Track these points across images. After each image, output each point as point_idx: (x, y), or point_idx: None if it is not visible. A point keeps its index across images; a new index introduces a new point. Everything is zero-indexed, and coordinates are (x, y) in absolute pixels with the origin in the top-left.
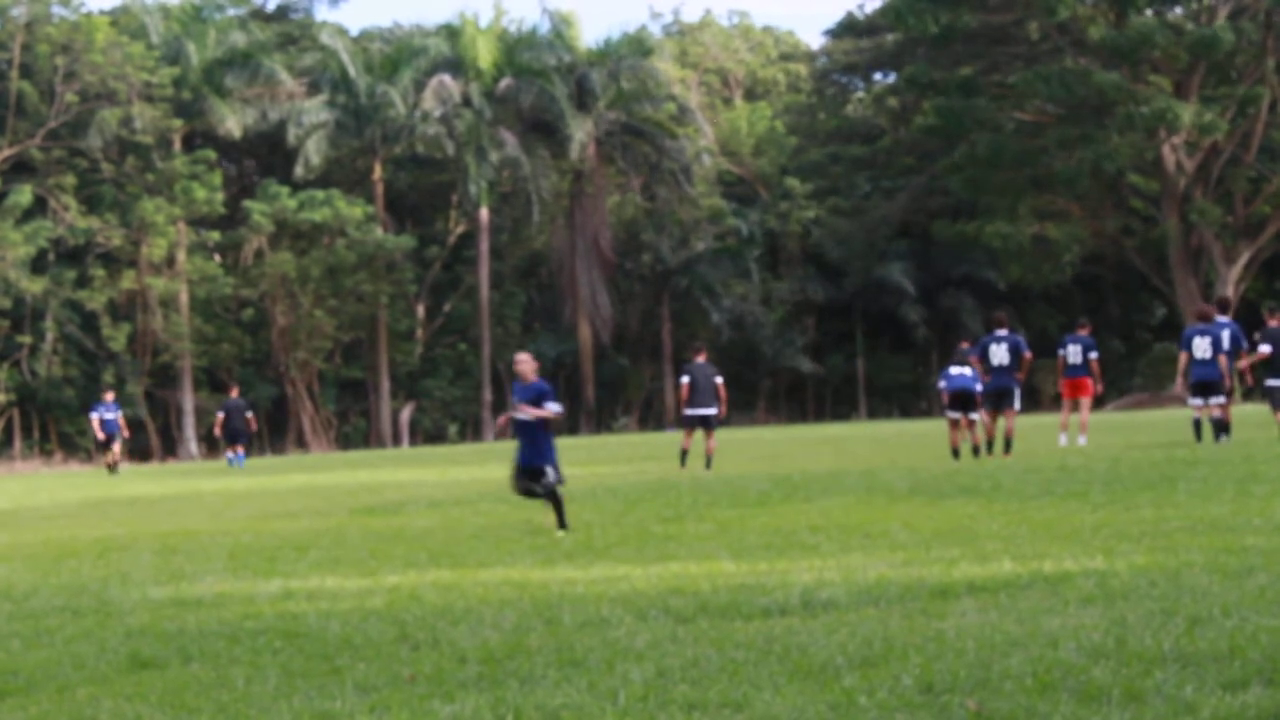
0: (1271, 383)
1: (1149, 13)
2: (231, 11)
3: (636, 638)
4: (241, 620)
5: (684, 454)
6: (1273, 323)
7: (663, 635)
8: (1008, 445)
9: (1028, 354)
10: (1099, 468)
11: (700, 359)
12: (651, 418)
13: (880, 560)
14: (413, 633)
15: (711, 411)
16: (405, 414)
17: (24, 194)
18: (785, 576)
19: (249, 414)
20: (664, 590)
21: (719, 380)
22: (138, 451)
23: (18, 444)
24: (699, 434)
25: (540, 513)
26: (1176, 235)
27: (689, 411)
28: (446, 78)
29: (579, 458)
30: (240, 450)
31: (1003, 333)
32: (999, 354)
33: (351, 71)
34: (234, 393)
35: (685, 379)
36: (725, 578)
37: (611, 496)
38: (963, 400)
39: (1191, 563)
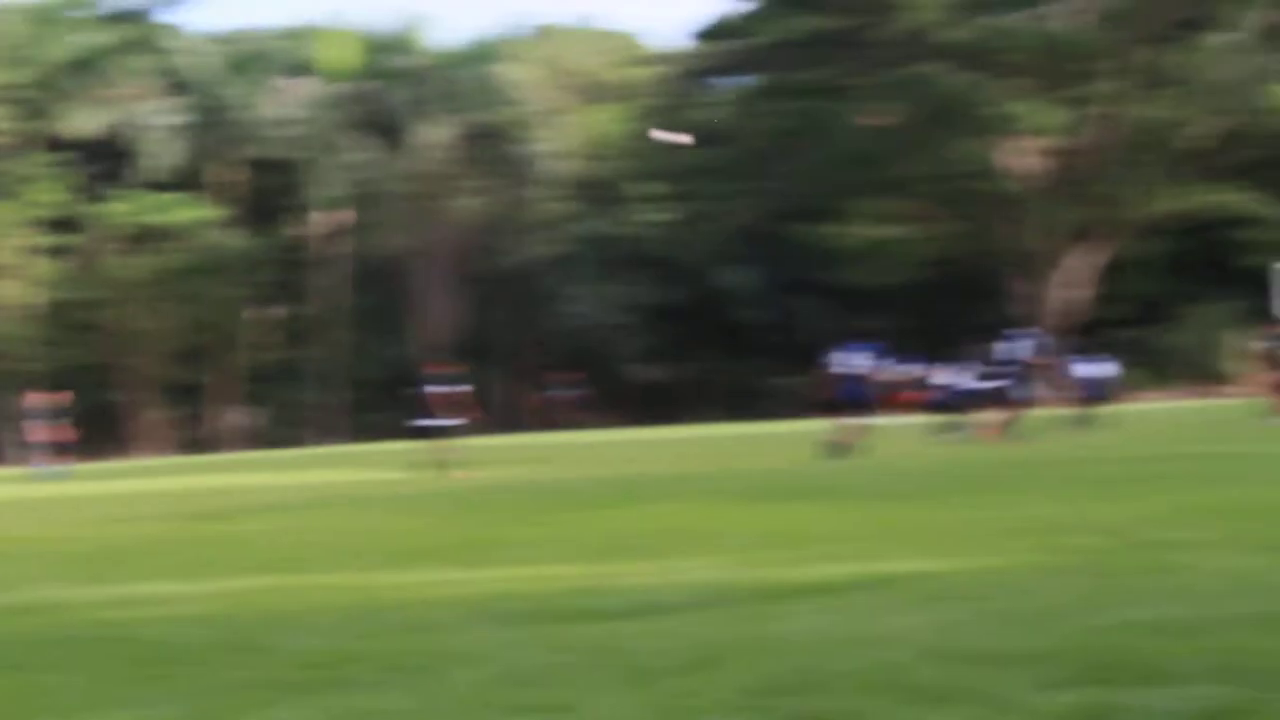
0: None
1: (999, 17)
2: (79, 14)
3: (467, 642)
4: (65, 627)
5: None
6: None
7: (492, 639)
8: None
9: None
10: (930, 469)
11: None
12: (494, 421)
13: (713, 563)
14: (240, 638)
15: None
16: (247, 418)
17: None
18: (617, 580)
19: (64, 420)
20: (494, 594)
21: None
22: None
23: None
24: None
25: (376, 517)
26: (1022, 240)
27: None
28: (295, 80)
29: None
30: (55, 458)
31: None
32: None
33: (199, 74)
34: (50, 397)
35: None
36: (557, 581)
37: (445, 500)
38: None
39: (1017, 563)
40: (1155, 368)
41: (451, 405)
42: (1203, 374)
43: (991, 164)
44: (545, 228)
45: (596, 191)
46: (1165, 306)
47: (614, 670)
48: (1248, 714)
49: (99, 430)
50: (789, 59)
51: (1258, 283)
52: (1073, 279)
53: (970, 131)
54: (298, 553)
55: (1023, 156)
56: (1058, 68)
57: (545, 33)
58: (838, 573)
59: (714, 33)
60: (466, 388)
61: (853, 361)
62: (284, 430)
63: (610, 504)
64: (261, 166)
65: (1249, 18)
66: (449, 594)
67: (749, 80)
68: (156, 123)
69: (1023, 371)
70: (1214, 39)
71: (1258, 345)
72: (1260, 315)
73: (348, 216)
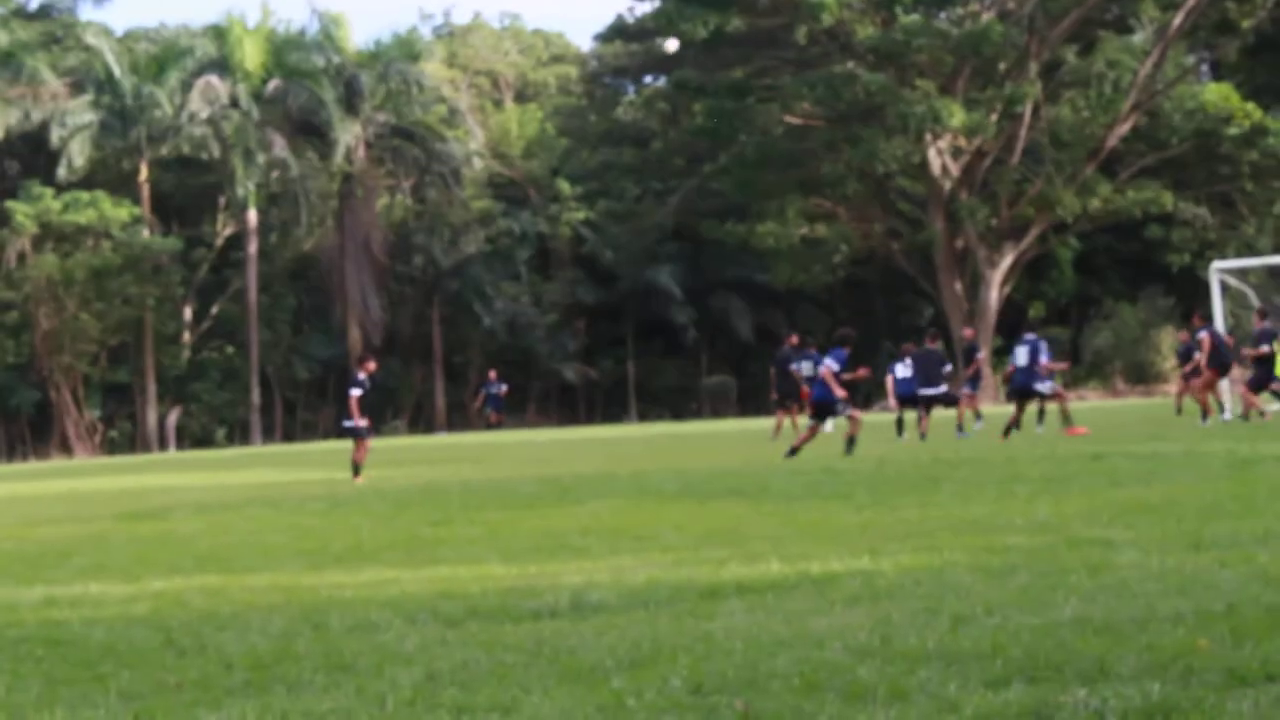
0: None
1: (915, 16)
2: None
3: (405, 641)
4: (14, 628)
5: None
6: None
7: (432, 639)
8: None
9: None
10: (865, 469)
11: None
12: (422, 421)
13: (650, 562)
14: (178, 639)
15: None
16: (172, 418)
17: None
18: (555, 579)
19: None
20: (433, 594)
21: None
22: None
23: None
24: None
25: (310, 517)
26: (942, 237)
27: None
28: (214, 79)
29: (348, 462)
30: None
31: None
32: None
33: (116, 72)
34: None
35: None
36: (495, 581)
37: (381, 500)
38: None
39: (955, 562)
40: (1082, 366)
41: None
42: (1131, 372)
43: (912, 162)
44: (467, 226)
45: (518, 190)
46: (1092, 305)
47: (554, 669)
48: (1185, 710)
49: (27, 430)
50: (704, 58)
51: (1186, 281)
52: (997, 278)
53: (889, 130)
54: (236, 553)
55: (942, 155)
56: (972, 67)
57: (463, 31)
58: (774, 572)
59: (623, 32)
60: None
61: (806, 367)
62: (212, 429)
63: (545, 503)
64: (181, 165)
65: (1162, 19)
66: (388, 594)
67: (666, 79)
68: (75, 120)
69: (949, 373)
70: (1124, 40)
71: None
72: (1188, 314)
73: (268, 215)
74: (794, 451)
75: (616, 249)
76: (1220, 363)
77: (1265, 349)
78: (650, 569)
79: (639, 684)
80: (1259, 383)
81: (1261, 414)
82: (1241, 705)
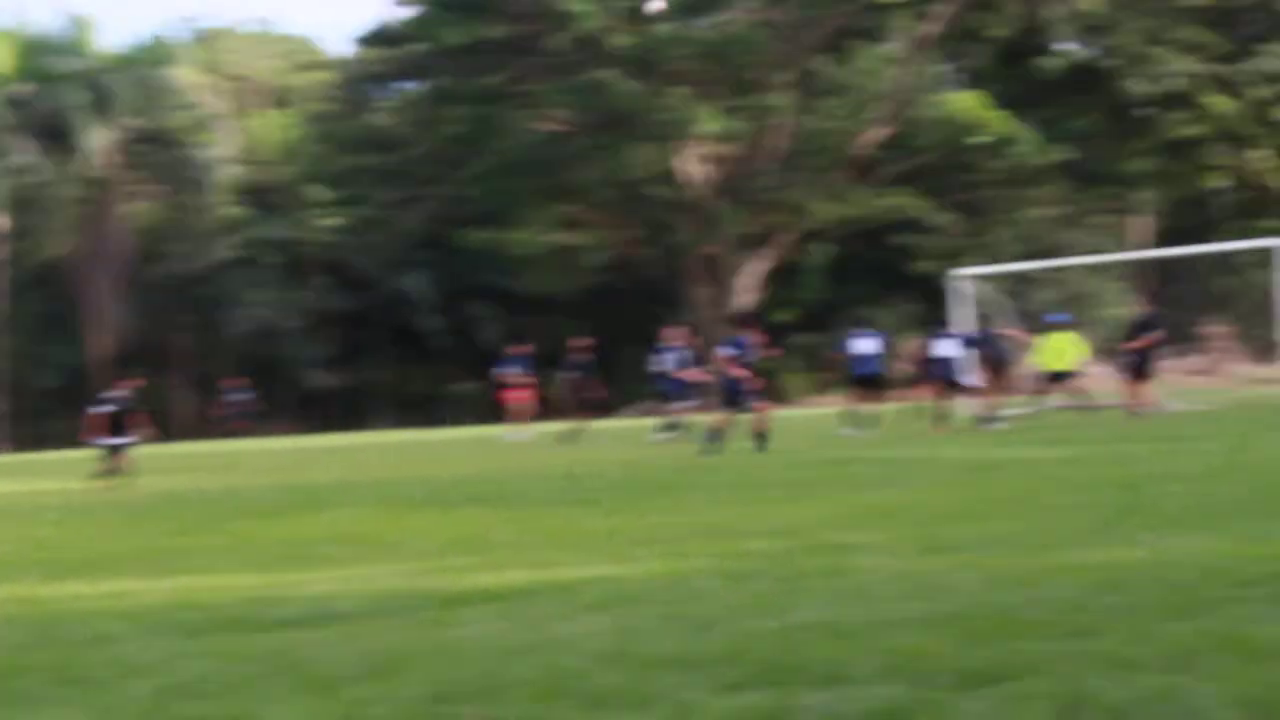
0: None
1: (670, 24)
2: None
3: (143, 653)
4: None
5: None
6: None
7: (170, 650)
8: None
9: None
10: (611, 474)
11: None
12: (168, 429)
13: (393, 570)
14: None
15: None
16: None
17: None
18: (298, 588)
19: None
20: (173, 604)
21: None
22: None
23: None
24: None
25: (46, 527)
26: (694, 245)
27: None
28: None
29: (94, 471)
30: None
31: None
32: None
33: None
34: None
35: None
36: (236, 591)
37: (122, 510)
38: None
39: (699, 568)
40: (826, 372)
41: (125, 422)
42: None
43: (665, 169)
44: (218, 233)
45: (269, 196)
46: (837, 312)
47: (292, 679)
48: (918, 713)
49: None
50: (459, 64)
51: (929, 289)
52: (745, 284)
53: (643, 137)
54: None
55: (695, 162)
56: (726, 74)
57: (217, 36)
58: (518, 579)
59: (381, 38)
60: (139, 406)
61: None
62: None
63: (289, 512)
64: None
65: (908, 29)
66: (125, 605)
67: (421, 85)
68: None
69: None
70: (876, 49)
71: (911, 352)
72: (932, 322)
73: (10, 221)
74: (715, 439)
75: (368, 256)
76: (938, 375)
77: (1149, 336)
78: (393, 577)
79: (380, 692)
80: (1140, 371)
81: (1137, 411)
82: (973, 706)
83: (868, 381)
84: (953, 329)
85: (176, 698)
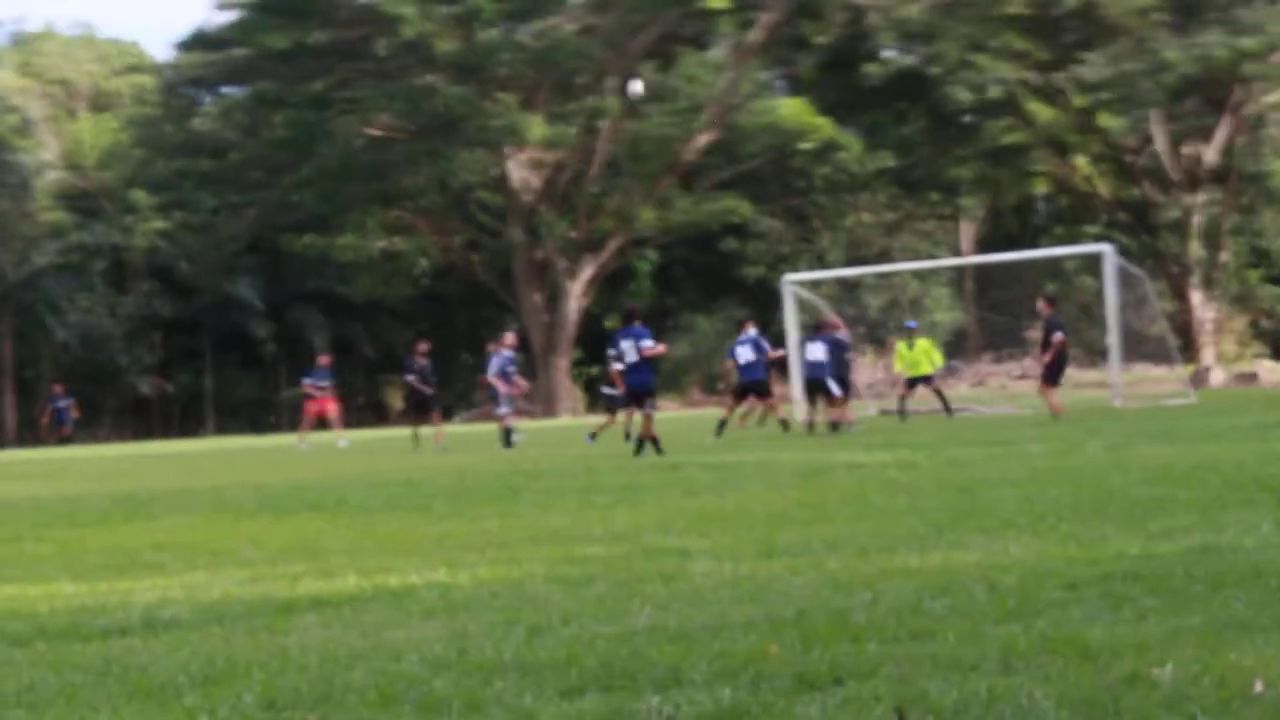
0: None
1: (496, 30)
2: None
3: None
4: None
5: None
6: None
7: None
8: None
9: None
10: (444, 481)
11: None
12: None
13: (225, 577)
14: None
15: None
16: None
17: None
18: (127, 596)
19: None
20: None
21: None
22: None
23: None
24: None
25: None
26: (522, 250)
27: None
28: None
29: None
30: None
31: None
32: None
33: None
34: None
35: None
36: (64, 599)
37: None
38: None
39: (533, 573)
40: (660, 376)
41: None
42: (708, 384)
43: (493, 175)
44: (39, 238)
45: (92, 201)
46: (669, 317)
47: (125, 687)
48: (755, 715)
49: None
50: (284, 69)
51: (761, 293)
52: (576, 290)
53: (470, 143)
54: None
55: (523, 168)
56: (558, 81)
57: (35, 39)
58: (351, 586)
59: (201, 42)
60: None
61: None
62: None
63: (118, 519)
64: None
65: (734, 36)
66: None
67: (246, 90)
68: None
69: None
70: (702, 56)
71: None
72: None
73: None
74: (612, 435)
75: (193, 261)
76: (747, 381)
77: (1058, 337)
78: (226, 584)
79: (212, 701)
80: (1054, 374)
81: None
82: (809, 709)
83: (751, 388)
84: (750, 332)
85: (5, 707)
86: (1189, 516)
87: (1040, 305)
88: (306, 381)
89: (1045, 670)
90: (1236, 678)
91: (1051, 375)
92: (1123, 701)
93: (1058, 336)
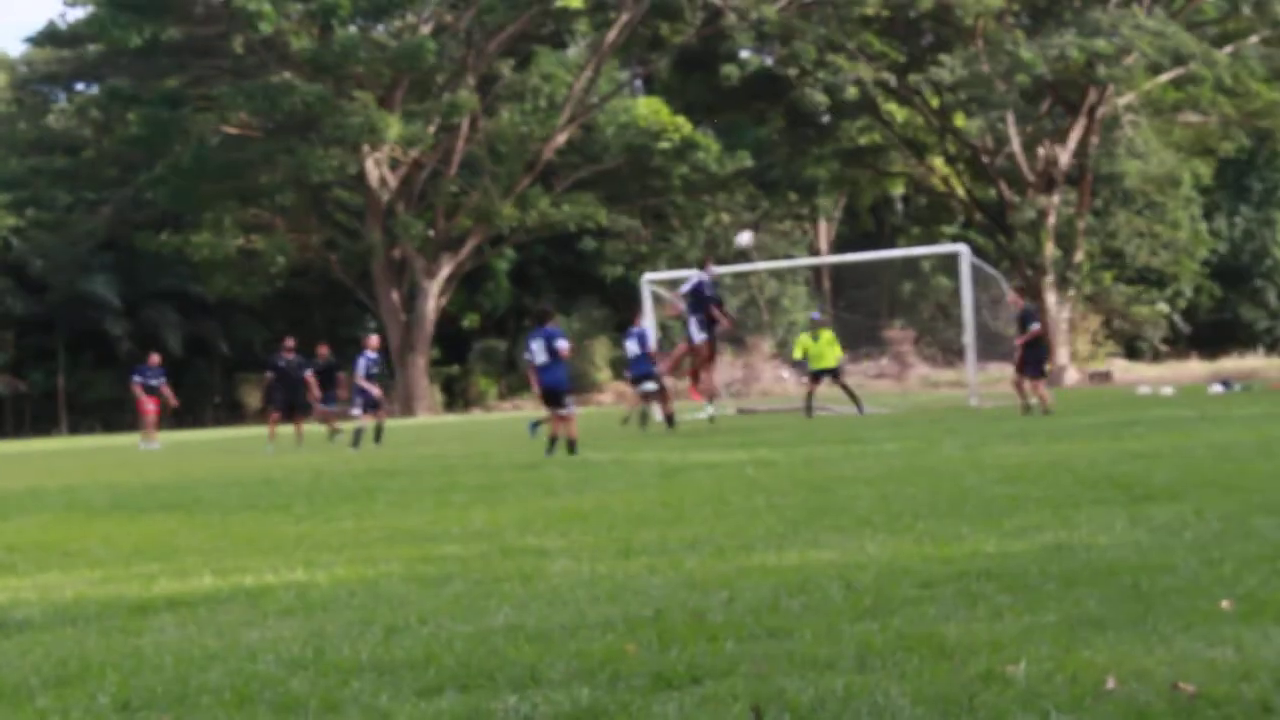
0: None
1: (352, 28)
2: None
3: None
4: None
5: None
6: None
7: None
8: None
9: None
10: (302, 480)
11: None
12: None
13: (78, 578)
14: None
15: None
16: None
17: None
18: None
19: None
20: None
21: None
22: None
23: None
24: None
25: None
26: (380, 248)
27: None
28: None
29: None
30: None
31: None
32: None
33: None
34: None
35: None
36: None
37: None
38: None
39: (390, 572)
40: (517, 376)
41: None
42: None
43: (349, 173)
44: None
45: None
46: (527, 316)
47: None
48: (612, 714)
49: None
50: (137, 66)
51: (620, 293)
52: (434, 289)
53: (327, 141)
54: None
55: (379, 166)
56: (415, 79)
57: None
58: (206, 585)
59: (52, 38)
60: None
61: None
62: None
63: None
64: None
65: (590, 35)
66: None
67: (98, 87)
68: None
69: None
70: (558, 55)
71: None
72: (622, 325)
73: None
74: (545, 436)
75: (47, 258)
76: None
77: (1035, 327)
78: (79, 585)
79: (65, 702)
80: (1037, 367)
81: (1028, 407)
82: (667, 708)
83: (639, 382)
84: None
85: None
86: (1043, 515)
87: (1010, 298)
88: (136, 380)
89: (901, 668)
90: (1090, 674)
91: (1034, 369)
92: (978, 699)
93: (1035, 326)
